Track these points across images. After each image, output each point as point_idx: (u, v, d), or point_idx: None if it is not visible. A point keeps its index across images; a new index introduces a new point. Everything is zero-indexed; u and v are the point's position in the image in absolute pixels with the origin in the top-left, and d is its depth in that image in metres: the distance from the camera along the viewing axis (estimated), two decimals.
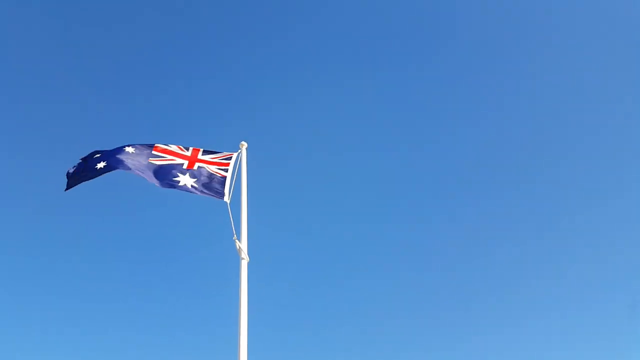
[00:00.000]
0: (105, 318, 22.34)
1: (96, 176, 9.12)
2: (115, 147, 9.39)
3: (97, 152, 9.47)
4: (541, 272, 23.43)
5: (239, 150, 9.75)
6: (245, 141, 9.83)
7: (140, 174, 8.96)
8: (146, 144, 9.49)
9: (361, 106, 26.71)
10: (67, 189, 9.21)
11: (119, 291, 23.34)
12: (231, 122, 26.01)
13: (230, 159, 9.58)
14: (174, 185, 8.98)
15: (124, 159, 9.08)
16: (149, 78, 28.18)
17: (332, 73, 27.04)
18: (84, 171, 9.22)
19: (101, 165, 9.14)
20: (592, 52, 26.20)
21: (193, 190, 9.01)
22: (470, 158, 26.56)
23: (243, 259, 8.58)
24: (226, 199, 9.03)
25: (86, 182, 9.18)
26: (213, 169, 9.37)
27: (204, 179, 9.17)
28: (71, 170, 9.35)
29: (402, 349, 21.16)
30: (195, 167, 9.28)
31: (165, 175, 9.07)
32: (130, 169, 8.96)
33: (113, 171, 9.07)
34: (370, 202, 25.77)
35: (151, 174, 9.01)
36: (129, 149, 9.37)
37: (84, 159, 9.39)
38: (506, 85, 26.93)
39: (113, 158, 9.13)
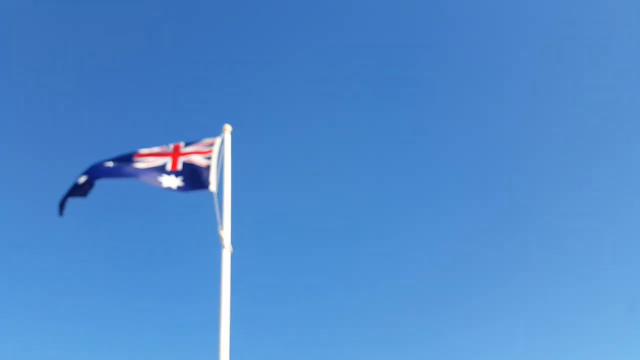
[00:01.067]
0: (86, 305, 22.15)
1: (80, 195, 8.83)
2: (93, 163, 9.04)
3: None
4: (540, 271, 23.34)
5: (222, 135, 9.38)
6: (229, 124, 9.47)
7: (123, 177, 8.71)
8: (126, 155, 9.11)
9: (353, 90, 26.40)
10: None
11: (97, 278, 23.13)
12: (214, 105, 25.58)
13: (213, 144, 9.20)
14: (158, 185, 8.69)
15: (104, 170, 8.79)
16: (130, 59, 27.60)
17: (323, 54, 26.68)
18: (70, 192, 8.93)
19: (82, 180, 8.80)
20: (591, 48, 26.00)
21: (179, 190, 8.68)
22: (468, 154, 26.46)
23: (225, 248, 8.29)
24: (211, 188, 8.67)
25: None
26: (197, 159, 8.99)
27: (190, 175, 8.80)
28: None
29: (392, 338, 21.13)
30: (180, 166, 8.91)
31: (149, 176, 8.76)
32: (112, 175, 8.71)
33: (95, 182, 8.82)
34: (363, 189, 25.59)
35: (135, 176, 8.73)
36: (109, 164, 9.02)
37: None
38: (506, 82, 26.73)
39: (93, 172, 8.83)
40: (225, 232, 8.37)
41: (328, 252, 24.22)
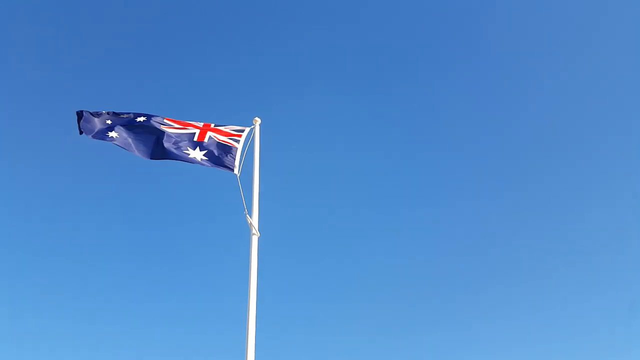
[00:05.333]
0: (115, 282, 22.63)
1: (106, 141, 9.10)
2: (127, 112, 9.30)
3: (107, 115, 9.33)
4: (541, 271, 23.56)
5: (252, 126, 9.75)
6: (258, 117, 9.83)
7: (146, 155, 9.03)
8: (158, 116, 9.42)
9: (375, 89, 26.88)
10: (81, 133, 9.12)
11: (126, 261, 23.64)
12: (244, 98, 26.00)
13: (242, 131, 9.57)
14: (183, 157, 9.01)
15: (133, 136, 9.13)
16: (163, 51, 28.05)
17: (348, 54, 27.15)
18: (96, 130, 9.17)
19: (113, 134, 9.11)
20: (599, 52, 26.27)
21: (203, 163, 9.01)
22: (476, 157, 26.83)
23: (254, 234, 8.64)
24: (236, 171, 9.04)
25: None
26: (224, 139, 9.36)
27: (214, 150, 9.16)
28: (85, 118, 9.19)
29: (411, 319, 21.45)
30: (206, 139, 9.27)
31: (175, 147, 9.09)
32: (135, 151, 9.08)
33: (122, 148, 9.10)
34: (384, 181, 26.01)
35: (160, 146, 9.08)
36: (140, 119, 9.33)
37: (96, 115, 9.27)
38: (512, 86, 27.13)
39: (124, 133, 9.17)
40: (253, 219, 8.71)
41: (348, 230, 24.55)
